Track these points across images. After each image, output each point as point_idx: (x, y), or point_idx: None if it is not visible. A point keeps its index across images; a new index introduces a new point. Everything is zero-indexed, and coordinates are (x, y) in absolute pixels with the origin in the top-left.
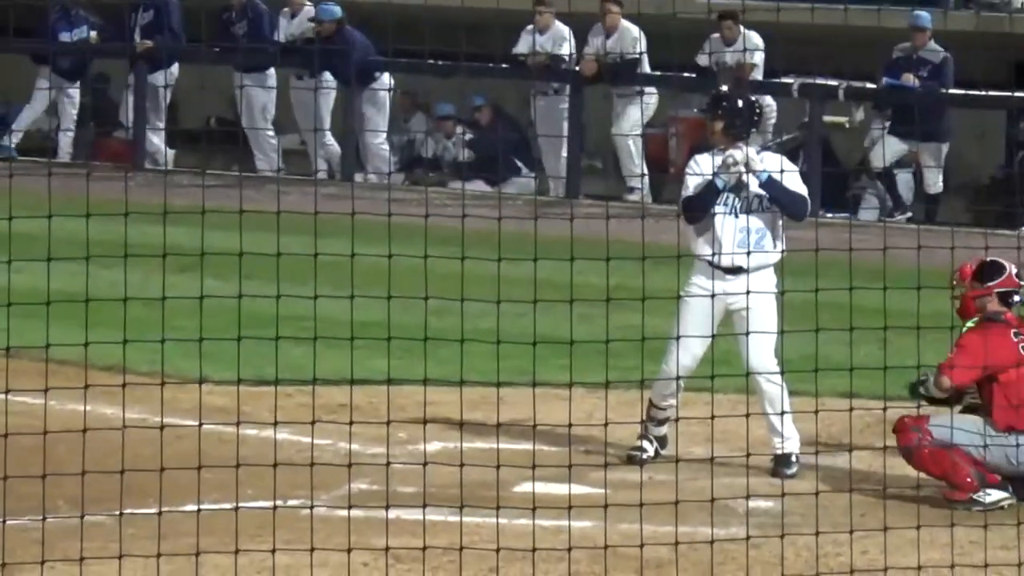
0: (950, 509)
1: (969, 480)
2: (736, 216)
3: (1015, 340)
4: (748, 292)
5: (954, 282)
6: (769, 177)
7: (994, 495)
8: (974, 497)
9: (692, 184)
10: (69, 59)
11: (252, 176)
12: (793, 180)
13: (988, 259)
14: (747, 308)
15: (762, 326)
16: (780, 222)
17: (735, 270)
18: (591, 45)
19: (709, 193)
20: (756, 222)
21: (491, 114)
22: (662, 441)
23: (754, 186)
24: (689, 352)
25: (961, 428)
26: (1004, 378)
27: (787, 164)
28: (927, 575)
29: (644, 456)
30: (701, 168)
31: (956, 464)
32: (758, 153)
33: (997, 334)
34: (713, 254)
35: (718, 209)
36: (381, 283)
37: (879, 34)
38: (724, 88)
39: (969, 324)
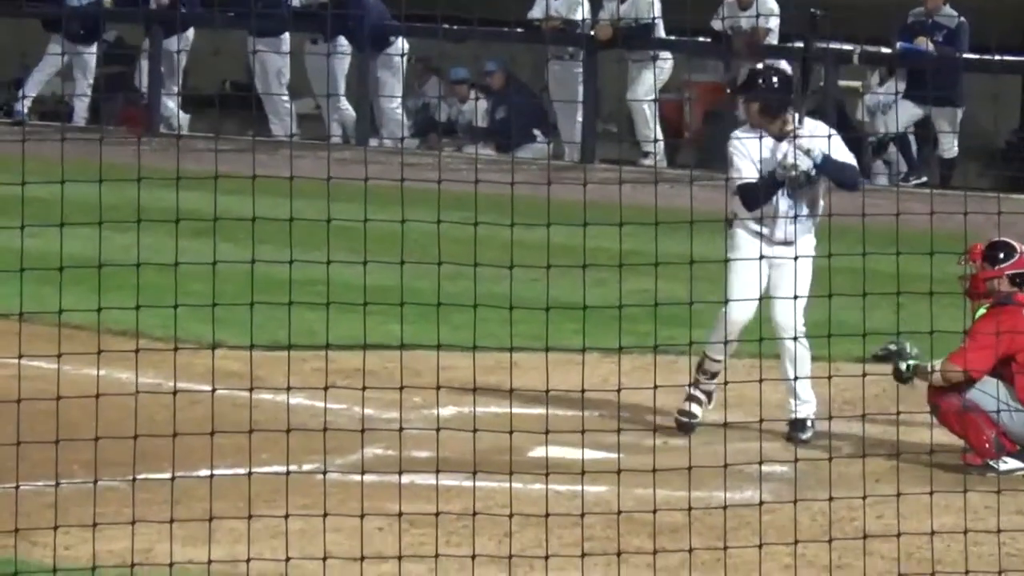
0: (964, 475)
1: (988, 446)
2: (787, 196)
3: None
4: (796, 257)
5: (961, 262)
6: (824, 158)
7: (1010, 463)
8: (990, 463)
9: (744, 168)
10: (80, 24)
11: (266, 140)
12: (839, 147)
13: (998, 240)
14: (785, 266)
15: (797, 285)
16: (824, 187)
17: (785, 242)
18: (606, 10)
19: (771, 188)
20: (804, 197)
21: (503, 78)
22: (710, 396)
23: (807, 165)
24: (746, 309)
25: (990, 394)
26: (1022, 358)
27: (832, 131)
28: (941, 540)
29: (694, 421)
30: (747, 149)
31: (979, 427)
32: (800, 122)
33: (1010, 316)
34: (763, 226)
35: None
36: (394, 248)
37: None
38: (760, 66)
39: (981, 311)
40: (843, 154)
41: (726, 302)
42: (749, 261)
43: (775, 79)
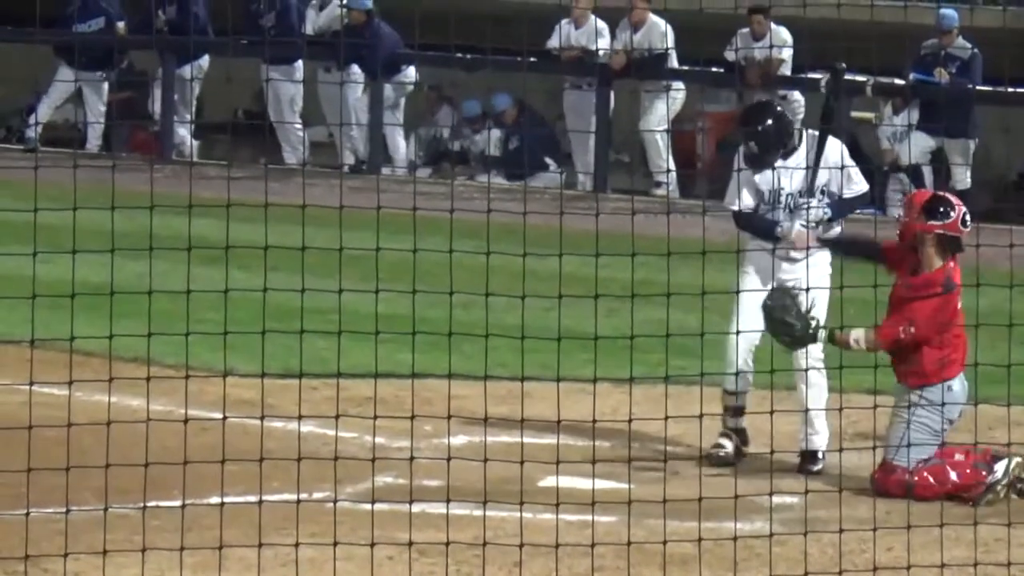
0: (974, 507)
1: (975, 475)
2: (791, 212)
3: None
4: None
5: (903, 206)
6: (834, 213)
7: (999, 467)
8: (987, 483)
9: (734, 193)
10: (88, 50)
11: (278, 168)
12: (853, 177)
13: (941, 194)
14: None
15: (817, 313)
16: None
17: (791, 259)
18: (619, 40)
19: (767, 232)
20: (812, 216)
21: (515, 113)
22: (742, 435)
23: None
24: (747, 338)
25: (923, 439)
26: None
27: (846, 156)
28: (951, 573)
29: (722, 453)
30: (745, 175)
31: (954, 466)
32: (810, 141)
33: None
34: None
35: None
36: (406, 276)
37: (907, 30)
38: (758, 101)
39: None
40: (855, 184)
41: (737, 332)
42: (755, 290)
43: (769, 119)
